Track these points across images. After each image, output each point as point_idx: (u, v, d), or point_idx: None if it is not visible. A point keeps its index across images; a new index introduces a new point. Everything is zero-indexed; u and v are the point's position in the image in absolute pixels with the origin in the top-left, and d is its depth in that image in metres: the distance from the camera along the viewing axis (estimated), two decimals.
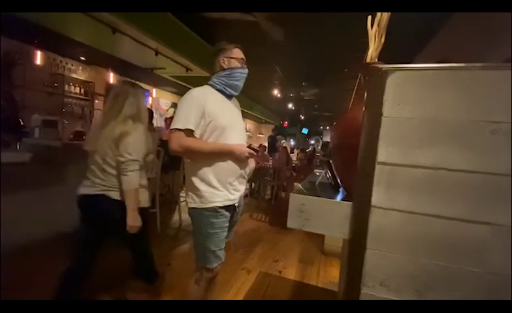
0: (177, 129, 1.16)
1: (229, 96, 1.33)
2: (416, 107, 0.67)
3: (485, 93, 0.62)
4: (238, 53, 1.33)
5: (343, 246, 1.74)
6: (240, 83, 1.33)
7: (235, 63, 1.31)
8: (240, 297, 1.90)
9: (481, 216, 0.63)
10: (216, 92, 1.29)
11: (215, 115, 1.21)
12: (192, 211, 1.27)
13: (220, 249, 1.28)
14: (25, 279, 1.86)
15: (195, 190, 1.24)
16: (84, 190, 1.39)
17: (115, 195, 1.38)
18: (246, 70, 1.34)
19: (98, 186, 1.37)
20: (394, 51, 1.36)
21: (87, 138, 1.65)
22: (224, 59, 1.31)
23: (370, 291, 0.71)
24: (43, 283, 1.81)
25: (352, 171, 0.89)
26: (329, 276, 2.31)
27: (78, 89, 4.86)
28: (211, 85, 1.30)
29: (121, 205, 1.36)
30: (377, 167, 0.70)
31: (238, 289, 1.97)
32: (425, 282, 0.67)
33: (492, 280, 0.63)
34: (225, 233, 1.30)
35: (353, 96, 6.59)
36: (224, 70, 1.30)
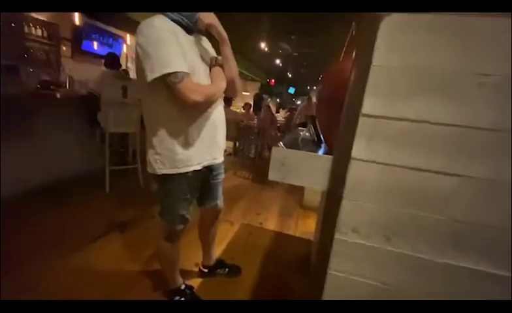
0: (185, 74, 0.95)
1: (188, 30, 1.08)
2: (407, 55, 0.64)
3: (478, 43, 0.59)
4: None
5: (321, 199, 1.83)
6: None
7: None
8: (223, 246, 2.00)
9: (454, 168, 0.65)
10: (172, 24, 1.02)
11: (184, 52, 1.00)
12: (161, 177, 1.10)
13: (188, 211, 1.21)
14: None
15: (167, 152, 1.07)
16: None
17: None
18: None
19: None
20: None
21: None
22: None
23: (343, 236, 0.75)
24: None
25: (336, 126, 0.88)
26: (306, 227, 2.47)
27: (40, 32, 4.29)
28: (166, 15, 1.03)
29: None
30: (361, 120, 0.69)
31: (221, 239, 2.07)
32: (394, 228, 0.72)
33: (455, 226, 0.68)
34: (196, 194, 1.23)
35: (344, 49, 6.41)
36: None
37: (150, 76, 0.95)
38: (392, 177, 0.69)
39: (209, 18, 1.06)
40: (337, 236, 0.76)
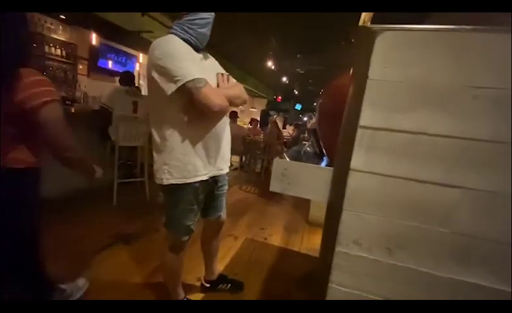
0: (206, 80, 0.99)
1: (196, 48, 1.12)
2: (402, 69, 0.66)
3: (472, 57, 0.61)
4: None
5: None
6: (206, 30, 1.12)
7: None
8: (226, 261, 1.98)
9: (455, 180, 0.65)
10: (183, 42, 1.08)
11: (197, 66, 1.05)
12: (169, 187, 1.12)
13: (194, 222, 1.22)
14: None
15: (176, 162, 1.09)
16: None
17: None
18: (211, 14, 1.12)
19: None
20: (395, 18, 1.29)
21: None
22: None
23: (344, 248, 0.74)
24: None
25: (337, 138, 0.89)
26: (312, 244, 2.42)
27: (59, 51, 4.55)
28: (175, 34, 1.08)
29: None
30: (359, 131, 0.70)
31: (224, 254, 2.04)
32: (396, 241, 0.71)
33: (458, 240, 0.67)
34: (202, 204, 1.24)
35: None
36: (184, 15, 1.08)
37: (173, 86, 0.97)
38: (392, 188, 0.69)
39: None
40: (338, 248, 0.75)
